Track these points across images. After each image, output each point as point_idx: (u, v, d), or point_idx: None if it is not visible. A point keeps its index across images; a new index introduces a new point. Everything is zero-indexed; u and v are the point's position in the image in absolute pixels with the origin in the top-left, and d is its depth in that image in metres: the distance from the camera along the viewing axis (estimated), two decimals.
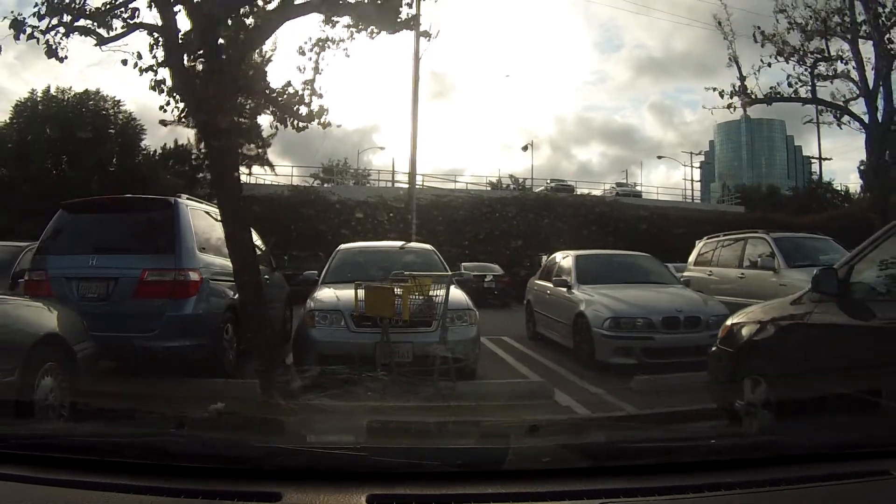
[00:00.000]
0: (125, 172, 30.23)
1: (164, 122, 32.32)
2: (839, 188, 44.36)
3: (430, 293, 6.59)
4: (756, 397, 4.81)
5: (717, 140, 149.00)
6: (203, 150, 35.78)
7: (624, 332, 8.50)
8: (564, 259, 11.32)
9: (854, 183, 47.06)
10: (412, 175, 23.46)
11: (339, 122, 8.03)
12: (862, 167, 45.15)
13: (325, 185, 40.82)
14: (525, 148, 61.20)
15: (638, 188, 50.52)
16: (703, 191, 72.83)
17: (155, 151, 35.99)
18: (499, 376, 8.37)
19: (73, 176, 29.56)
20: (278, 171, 39.03)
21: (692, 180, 52.38)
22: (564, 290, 10.25)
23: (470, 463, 1.91)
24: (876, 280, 4.34)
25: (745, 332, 5.22)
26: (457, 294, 7.55)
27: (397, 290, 6.45)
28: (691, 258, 14.45)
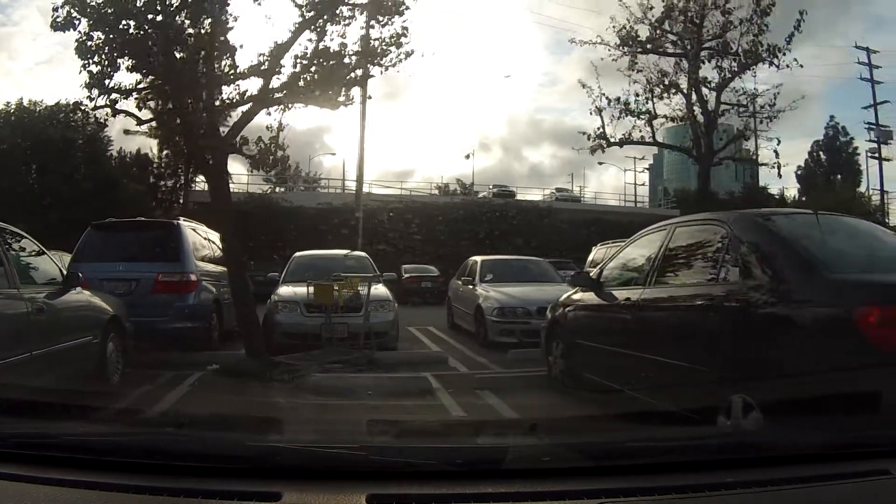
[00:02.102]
0: (92, 180, 31.99)
1: (127, 132, 34.13)
2: (774, 193, 47.81)
3: (358, 289, 9.39)
4: (558, 353, 7.62)
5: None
6: (166, 159, 37.96)
7: (507, 318, 11.07)
8: (474, 262, 13.97)
9: (794, 186, 51.40)
10: (359, 185, 26.09)
11: (302, 170, 10.67)
12: (799, 172, 49.42)
13: (278, 190, 42.42)
14: (468, 156, 63.97)
15: (577, 193, 53.97)
16: (652, 194, 72.79)
17: (115, 158, 37.35)
18: None
19: (42, 184, 31.18)
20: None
21: (635, 184, 55.92)
22: (471, 287, 12.94)
23: (469, 462, 1.90)
24: (612, 275, 7.04)
25: (554, 311, 8.10)
26: (380, 289, 10.34)
27: (335, 287, 9.13)
28: (588, 261, 17.02)
